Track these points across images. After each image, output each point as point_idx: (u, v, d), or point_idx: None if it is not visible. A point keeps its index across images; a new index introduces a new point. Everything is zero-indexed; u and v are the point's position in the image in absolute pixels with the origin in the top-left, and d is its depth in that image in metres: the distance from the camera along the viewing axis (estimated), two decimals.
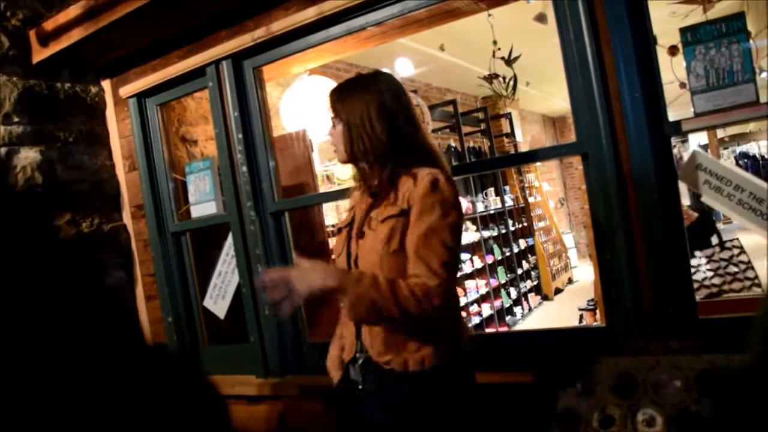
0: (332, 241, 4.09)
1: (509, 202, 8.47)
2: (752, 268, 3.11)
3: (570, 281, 10.11)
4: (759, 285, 3.06)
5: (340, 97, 1.69)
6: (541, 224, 9.79)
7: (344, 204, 4.60)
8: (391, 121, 1.63)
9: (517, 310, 7.92)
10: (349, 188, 1.93)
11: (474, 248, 7.23)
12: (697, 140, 11.65)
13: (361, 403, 1.67)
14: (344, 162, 1.74)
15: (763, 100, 1.67)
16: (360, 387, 1.66)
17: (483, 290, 7.08)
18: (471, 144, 8.05)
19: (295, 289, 1.50)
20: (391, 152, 1.63)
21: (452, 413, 1.59)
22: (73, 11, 2.59)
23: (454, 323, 1.69)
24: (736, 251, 3.18)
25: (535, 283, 8.86)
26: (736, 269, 3.08)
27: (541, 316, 8.14)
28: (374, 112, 1.62)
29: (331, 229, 4.24)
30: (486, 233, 7.50)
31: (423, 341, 1.57)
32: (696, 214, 3.51)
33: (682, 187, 1.82)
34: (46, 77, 2.84)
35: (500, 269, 7.74)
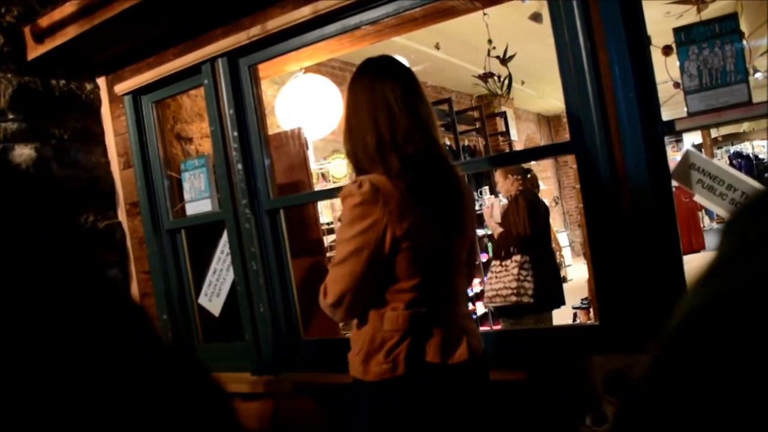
0: (328, 239, 4.10)
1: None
2: (528, 280, 3.80)
3: (564, 280, 10.13)
4: (531, 296, 3.75)
5: (348, 88, 1.66)
6: None
7: (339, 201, 4.61)
8: (364, 125, 1.57)
9: None
10: None
11: None
12: (691, 140, 11.70)
13: None
14: None
15: (756, 100, 1.69)
16: None
17: (477, 288, 7.09)
18: (466, 143, 8.06)
19: None
20: (358, 156, 1.60)
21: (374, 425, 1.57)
22: (68, 8, 2.58)
23: (399, 338, 1.52)
24: (512, 265, 3.86)
25: None
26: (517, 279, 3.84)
27: None
28: (351, 115, 1.61)
29: (326, 227, 4.25)
30: (480, 231, 7.50)
31: (359, 347, 1.58)
32: (501, 229, 4.09)
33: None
34: (41, 74, 2.83)
35: None
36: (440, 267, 1.59)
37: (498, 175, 4.27)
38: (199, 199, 2.82)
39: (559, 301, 4.01)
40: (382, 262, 1.50)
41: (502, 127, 9.06)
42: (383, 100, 1.55)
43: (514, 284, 3.80)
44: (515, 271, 3.83)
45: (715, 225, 12.17)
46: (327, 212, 4.61)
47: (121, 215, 3.11)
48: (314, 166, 4.53)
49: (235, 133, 2.59)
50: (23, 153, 2.71)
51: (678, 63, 1.79)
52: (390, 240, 1.48)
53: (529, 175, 4.16)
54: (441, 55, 6.55)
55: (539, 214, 4.04)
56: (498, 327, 7.03)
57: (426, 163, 1.54)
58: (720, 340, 0.32)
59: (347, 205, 1.51)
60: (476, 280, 7.20)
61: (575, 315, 6.01)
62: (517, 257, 3.87)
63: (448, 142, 7.52)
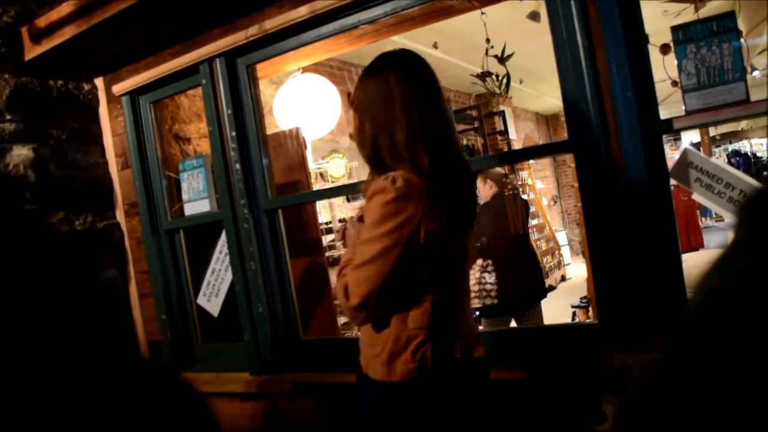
0: (326, 239, 4.10)
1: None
2: (490, 283, 3.88)
3: (563, 279, 10.15)
4: (495, 297, 3.81)
5: (358, 84, 1.60)
6: (534, 222, 9.82)
7: (338, 201, 4.61)
8: (401, 112, 1.49)
9: None
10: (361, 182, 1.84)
11: None
12: (689, 138, 11.71)
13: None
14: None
15: (753, 98, 1.69)
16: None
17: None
18: (464, 142, 8.06)
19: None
20: (382, 152, 1.52)
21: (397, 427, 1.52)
22: (65, 8, 2.58)
23: (423, 334, 1.50)
24: (476, 268, 3.94)
25: None
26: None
27: None
28: (376, 108, 1.53)
29: (325, 226, 4.25)
30: None
31: (381, 349, 1.52)
32: None
33: None
34: (38, 75, 2.83)
35: None
36: (457, 265, 1.59)
37: (478, 181, 4.33)
38: (197, 199, 2.81)
39: (531, 302, 4.04)
40: (413, 261, 1.46)
41: (500, 126, 9.06)
42: (418, 95, 1.51)
43: (476, 287, 3.90)
44: (477, 274, 3.93)
45: (714, 223, 12.17)
46: (325, 212, 4.60)
47: (120, 215, 3.11)
48: (313, 165, 4.53)
49: (233, 133, 2.58)
50: (21, 153, 2.71)
51: (676, 61, 1.79)
52: (423, 237, 1.44)
53: (506, 180, 4.29)
54: (439, 54, 6.56)
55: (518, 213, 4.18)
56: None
57: (450, 162, 1.53)
58: (732, 327, 0.32)
59: (378, 201, 1.43)
60: None
61: (574, 314, 6.01)
62: (479, 261, 3.97)
63: None
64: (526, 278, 3.98)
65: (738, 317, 0.32)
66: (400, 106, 1.50)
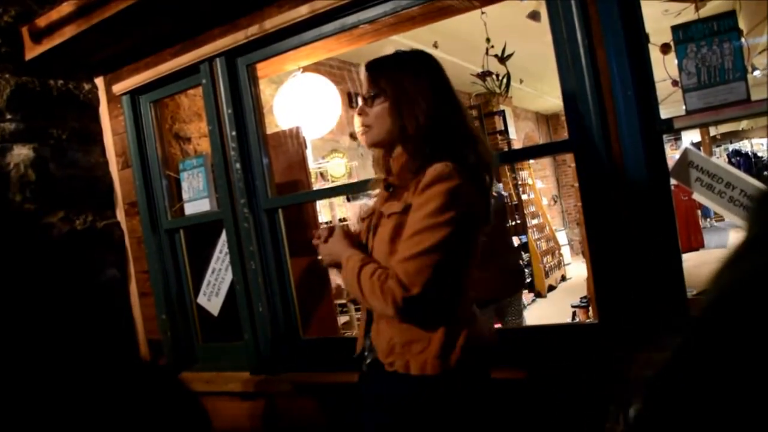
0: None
1: None
2: None
3: (563, 278, 10.15)
4: None
5: (385, 71, 1.56)
6: (535, 221, 9.83)
7: (338, 201, 4.61)
8: (439, 103, 1.50)
9: None
10: (372, 179, 1.79)
11: None
12: (689, 138, 11.71)
13: (362, 401, 1.64)
14: (372, 145, 1.60)
15: (754, 98, 1.69)
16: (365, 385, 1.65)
17: None
18: None
19: (321, 252, 1.66)
20: (432, 138, 1.47)
21: (451, 421, 1.47)
22: (65, 8, 2.58)
23: (465, 326, 1.50)
24: None
25: (528, 280, 8.87)
26: None
27: (534, 314, 8.14)
28: (425, 90, 1.51)
29: (324, 226, 4.25)
30: None
31: (427, 344, 1.46)
32: None
33: None
34: (38, 74, 2.83)
35: None
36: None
37: None
38: (197, 198, 2.81)
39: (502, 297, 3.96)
40: (472, 250, 1.47)
41: (500, 126, 9.06)
42: (451, 90, 1.59)
43: None
44: None
45: (714, 223, 12.19)
46: (325, 211, 4.60)
47: (120, 215, 3.11)
48: (313, 165, 4.53)
49: (234, 133, 2.58)
50: (21, 153, 2.71)
51: (676, 61, 1.78)
52: (479, 226, 1.47)
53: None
54: (439, 53, 6.55)
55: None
56: (497, 326, 7.04)
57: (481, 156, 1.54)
58: (737, 326, 0.32)
59: (442, 188, 1.38)
60: None
61: (574, 314, 6.01)
62: None
63: None
64: (498, 277, 3.90)
65: (742, 317, 0.32)
66: (457, 104, 1.57)
